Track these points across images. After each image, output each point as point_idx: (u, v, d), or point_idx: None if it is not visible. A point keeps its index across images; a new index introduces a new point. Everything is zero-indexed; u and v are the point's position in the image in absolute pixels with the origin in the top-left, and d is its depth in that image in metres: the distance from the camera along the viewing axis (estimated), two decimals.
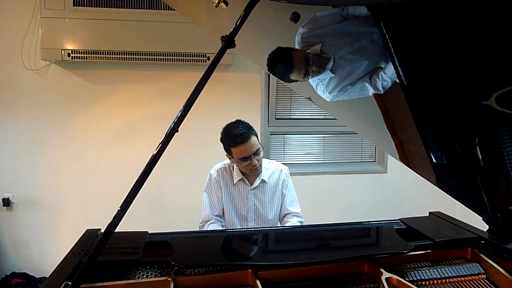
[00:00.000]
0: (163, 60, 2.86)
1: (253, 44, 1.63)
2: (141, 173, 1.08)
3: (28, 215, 3.00)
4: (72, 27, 2.73)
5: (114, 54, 2.78)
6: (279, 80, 2.89)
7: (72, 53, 2.73)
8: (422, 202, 3.04)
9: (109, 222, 1.05)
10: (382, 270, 1.25)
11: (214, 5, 1.20)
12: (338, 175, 3.43)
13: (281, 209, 2.18)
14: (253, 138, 1.94)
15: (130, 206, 1.06)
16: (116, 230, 1.05)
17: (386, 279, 1.22)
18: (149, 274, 1.28)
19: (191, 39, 2.85)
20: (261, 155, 2.01)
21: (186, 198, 3.08)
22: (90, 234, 1.49)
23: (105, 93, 3.02)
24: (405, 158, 1.55)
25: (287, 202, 2.17)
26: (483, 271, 1.33)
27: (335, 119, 3.06)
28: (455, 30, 1.12)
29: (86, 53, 2.76)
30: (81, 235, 1.49)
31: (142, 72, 3.01)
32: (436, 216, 1.73)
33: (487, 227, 1.50)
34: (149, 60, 2.84)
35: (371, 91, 1.38)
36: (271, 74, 2.92)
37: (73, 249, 1.38)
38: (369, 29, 1.27)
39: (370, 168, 3.54)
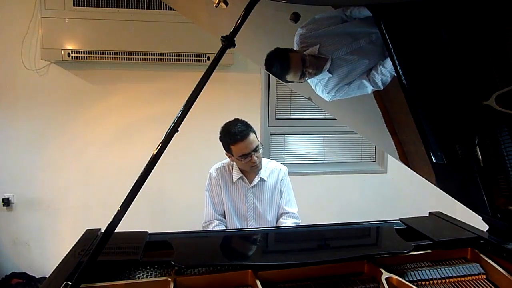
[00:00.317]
0: (163, 60, 2.85)
1: (253, 44, 1.62)
2: (141, 173, 1.08)
3: (28, 215, 3.00)
4: (72, 27, 2.73)
5: (114, 54, 2.78)
6: (279, 80, 2.90)
7: (72, 53, 2.73)
8: (422, 202, 3.05)
9: (109, 222, 1.05)
10: (382, 270, 1.25)
11: (214, 5, 1.20)
12: (338, 175, 3.43)
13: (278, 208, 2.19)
14: (252, 135, 1.95)
15: (130, 206, 1.06)
16: (116, 230, 1.05)
17: (386, 279, 1.22)
18: (149, 274, 1.28)
19: (191, 39, 2.84)
20: (261, 152, 2.02)
21: (186, 198, 3.08)
22: (90, 234, 1.49)
23: (105, 93, 3.01)
24: (405, 158, 1.55)
25: (284, 201, 2.17)
26: (483, 271, 1.33)
27: (335, 119, 3.05)
28: (455, 30, 1.12)
29: (86, 53, 2.75)
30: (81, 235, 1.49)
31: (142, 72, 3.01)
32: (436, 216, 1.73)
33: (487, 227, 1.50)
34: (149, 60, 2.84)
35: (370, 88, 1.37)
36: (270, 74, 2.93)
37: (73, 249, 1.38)
38: (367, 30, 1.27)
39: (370, 168, 3.54)
